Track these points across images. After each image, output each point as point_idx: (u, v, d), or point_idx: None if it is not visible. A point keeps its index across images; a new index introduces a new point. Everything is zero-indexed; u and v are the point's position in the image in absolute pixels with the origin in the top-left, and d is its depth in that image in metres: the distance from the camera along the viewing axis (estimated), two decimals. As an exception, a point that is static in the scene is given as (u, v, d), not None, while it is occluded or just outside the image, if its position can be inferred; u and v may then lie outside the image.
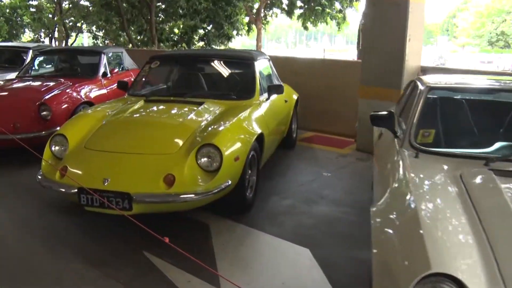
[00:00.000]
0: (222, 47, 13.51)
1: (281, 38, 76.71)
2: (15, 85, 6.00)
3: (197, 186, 3.11)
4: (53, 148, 3.54)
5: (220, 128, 3.49)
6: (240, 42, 32.05)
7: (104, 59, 6.65)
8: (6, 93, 5.67)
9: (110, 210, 2.99)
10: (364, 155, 5.55)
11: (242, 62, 4.77)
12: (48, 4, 16.41)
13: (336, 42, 67.41)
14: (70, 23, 15.86)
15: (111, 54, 7.01)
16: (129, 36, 11.69)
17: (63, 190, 3.17)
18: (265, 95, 4.57)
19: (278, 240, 3.31)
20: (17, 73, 7.77)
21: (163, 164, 3.17)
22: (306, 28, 20.87)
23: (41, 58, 7.18)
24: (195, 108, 3.92)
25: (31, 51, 8.33)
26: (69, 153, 3.44)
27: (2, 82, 6.10)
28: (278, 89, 4.56)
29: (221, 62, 4.87)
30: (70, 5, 14.71)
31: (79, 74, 6.54)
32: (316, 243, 3.24)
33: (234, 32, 14.79)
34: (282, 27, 67.00)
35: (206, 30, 12.26)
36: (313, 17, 19.10)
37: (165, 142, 3.40)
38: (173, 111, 4.02)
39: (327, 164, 5.26)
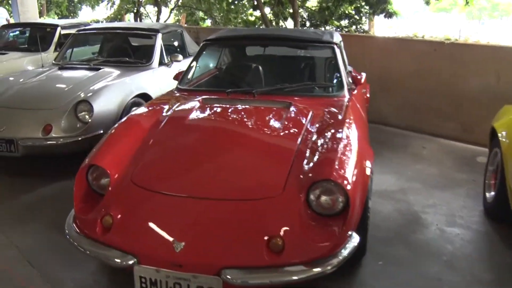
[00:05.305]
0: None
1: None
2: (204, 123, 2.86)
3: None
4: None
5: None
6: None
7: (340, 55, 3.46)
8: (213, 151, 2.53)
9: None
10: None
11: None
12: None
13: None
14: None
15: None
16: (262, 10, 8.34)
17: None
18: None
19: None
20: (147, 71, 4.91)
21: None
22: (427, 2, 16.95)
23: (208, 51, 3.98)
24: None
25: (160, 34, 5.34)
26: None
27: (166, 109, 2.92)
28: None
29: None
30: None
31: (315, 89, 3.31)
32: None
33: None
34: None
35: (359, 5, 8.74)
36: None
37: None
38: None
39: None
